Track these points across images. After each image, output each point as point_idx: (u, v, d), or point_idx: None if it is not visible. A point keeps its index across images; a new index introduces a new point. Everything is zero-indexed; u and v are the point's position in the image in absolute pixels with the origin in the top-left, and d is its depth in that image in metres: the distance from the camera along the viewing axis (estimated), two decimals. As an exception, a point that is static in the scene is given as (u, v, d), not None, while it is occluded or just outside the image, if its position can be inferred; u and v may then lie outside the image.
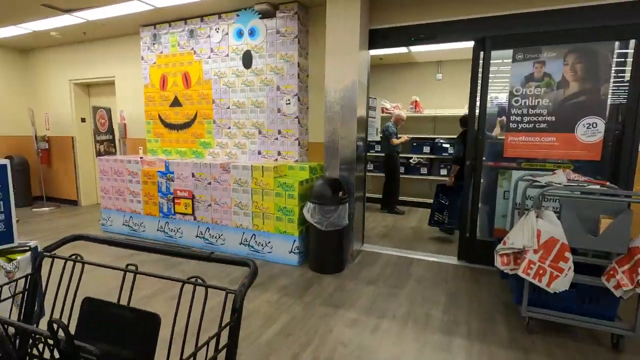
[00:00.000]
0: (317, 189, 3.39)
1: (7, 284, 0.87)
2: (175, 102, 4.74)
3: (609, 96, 3.11)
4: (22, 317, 0.90)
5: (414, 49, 5.85)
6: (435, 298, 2.92)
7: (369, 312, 2.68)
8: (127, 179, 4.49)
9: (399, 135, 5.76)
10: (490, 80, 3.47)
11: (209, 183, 3.96)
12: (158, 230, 4.35)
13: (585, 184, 2.42)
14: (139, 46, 5.02)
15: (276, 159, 4.22)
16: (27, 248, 1.28)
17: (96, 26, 4.86)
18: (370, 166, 6.55)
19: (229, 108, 4.41)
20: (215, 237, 4.00)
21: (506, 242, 2.39)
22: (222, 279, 3.23)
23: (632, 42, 3.00)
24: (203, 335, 0.70)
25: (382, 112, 6.41)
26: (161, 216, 4.31)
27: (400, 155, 6.03)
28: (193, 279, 0.82)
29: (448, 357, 2.14)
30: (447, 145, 6.20)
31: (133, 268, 0.86)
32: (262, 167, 3.65)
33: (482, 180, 3.62)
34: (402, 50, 5.90)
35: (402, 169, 6.50)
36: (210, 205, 3.99)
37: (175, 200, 4.17)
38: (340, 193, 3.44)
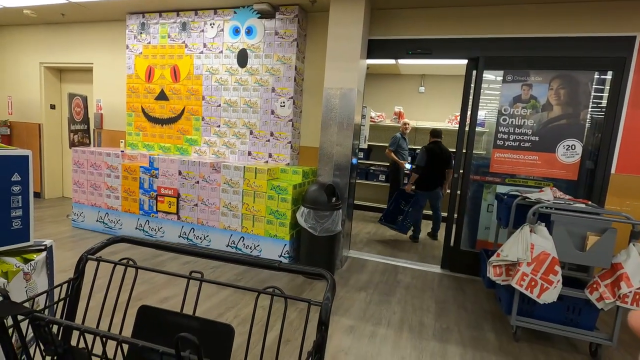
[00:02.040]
0: (312, 193, 3.38)
1: (45, 291, 0.79)
2: (162, 96, 4.55)
3: (587, 121, 3.37)
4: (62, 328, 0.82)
5: (401, 61, 6.03)
6: (425, 306, 3.00)
7: (364, 319, 2.70)
8: (104, 173, 4.23)
9: (402, 160, 5.69)
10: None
11: (197, 182, 3.83)
12: (137, 228, 4.14)
13: (571, 202, 2.60)
14: (123, 34, 4.77)
15: (267, 161, 4.16)
16: (43, 247, 1.18)
17: (78, 8, 4.57)
18: (381, 177, 6.61)
19: (219, 106, 4.29)
20: (200, 238, 3.87)
21: (500, 254, 2.51)
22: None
23: (610, 73, 3.27)
24: (283, 347, 0.68)
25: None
26: (141, 214, 4.10)
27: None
28: (270, 289, 0.79)
29: (445, 364, 2.21)
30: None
31: (198, 275, 0.81)
32: (255, 168, 3.59)
33: (467, 194, 3.78)
34: (390, 61, 6.05)
35: (382, 177, 6.65)
36: (196, 205, 3.85)
37: (159, 198, 3.99)
38: (334, 199, 3.46)
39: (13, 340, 0.69)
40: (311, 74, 4.12)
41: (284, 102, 4.01)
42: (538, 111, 3.47)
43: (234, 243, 3.73)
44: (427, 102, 6.87)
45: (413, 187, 4.83)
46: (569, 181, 3.43)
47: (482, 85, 3.60)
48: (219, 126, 4.33)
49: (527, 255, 2.32)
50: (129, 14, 4.60)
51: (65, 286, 0.83)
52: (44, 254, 1.16)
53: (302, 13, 3.96)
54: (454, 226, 3.86)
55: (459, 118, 6.02)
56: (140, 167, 4.05)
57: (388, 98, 7.03)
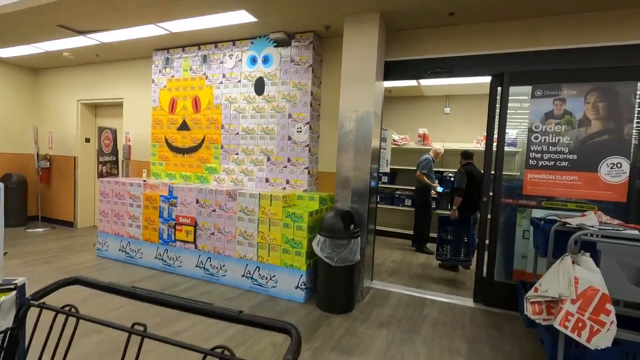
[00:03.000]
0: (328, 220, 3.21)
1: None
2: (184, 126, 4.66)
3: (634, 136, 3.02)
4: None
5: (424, 82, 5.89)
6: (455, 346, 2.68)
7: (385, 360, 2.43)
8: (127, 202, 4.32)
9: (433, 179, 5.43)
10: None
11: (214, 210, 3.79)
12: (156, 257, 4.13)
13: (621, 228, 2.26)
14: (150, 69, 5.01)
15: (284, 187, 4.07)
16: (13, 286, 1.10)
17: (109, 48, 4.87)
18: (407, 202, 6.37)
19: (237, 134, 4.31)
20: (217, 268, 3.78)
21: (538, 288, 2.19)
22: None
23: (656, 83, 2.95)
24: None
25: (391, 143, 6.34)
26: (160, 243, 4.10)
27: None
28: (219, 350, 0.64)
29: (478, 420, 1.89)
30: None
31: (141, 329, 0.68)
32: (271, 195, 3.50)
33: (499, 218, 3.46)
34: (412, 83, 5.93)
35: (408, 202, 6.37)
36: (213, 233, 3.80)
37: (177, 227, 3.98)
38: (352, 226, 3.27)
39: None
40: (328, 98, 4.07)
41: (300, 128, 3.96)
42: (574, 127, 3.16)
43: (249, 273, 3.60)
44: (453, 123, 6.61)
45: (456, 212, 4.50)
46: (617, 203, 3.05)
47: (510, 102, 3.36)
48: (237, 154, 4.33)
49: (570, 291, 2.00)
50: (155, 50, 4.84)
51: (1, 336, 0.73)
52: (12, 294, 1.08)
53: (317, 39, 3.96)
54: (486, 254, 3.52)
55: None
56: (160, 196, 4.09)
57: (412, 120, 6.85)
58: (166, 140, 4.80)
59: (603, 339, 1.94)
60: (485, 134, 3.56)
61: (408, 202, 6.40)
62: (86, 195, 6.18)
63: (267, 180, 4.17)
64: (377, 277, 4.15)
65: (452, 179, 5.70)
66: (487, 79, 3.54)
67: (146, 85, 5.18)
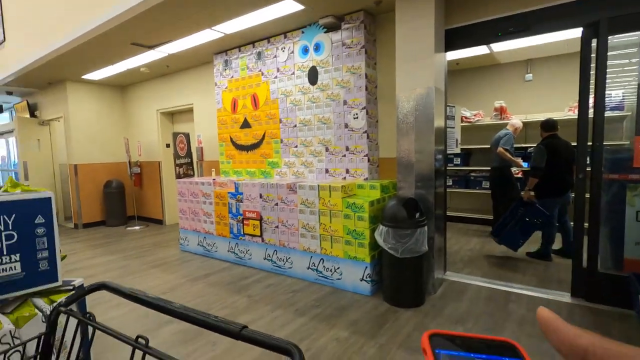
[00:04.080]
0: (390, 210, 3.01)
1: (15, 348, 0.71)
2: (245, 124, 4.82)
3: None
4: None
5: (497, 47, 5.21)
6: (547, 349, 2.30)
7: (460, 362, 2.18)
8: (201, 200, 4.63)
9: (514, 154, 4.76)
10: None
11: (276, 204, 3.85)
12: (229, 251, 4.36)
13: None
14: (212, 73, 5.26)
15: (344, 177, 3.95)
16: (71, 287, 1.18)
17: (176, 58, 5.24)
18: (485, 184, 5.78)
19: (295, 126, 4.30)
20: (283, 260, 3.84)
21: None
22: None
23: None
24: None
25: (462, 121, 5.78)
26: (231, 237, 4.32)
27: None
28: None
29: None
30: (544, 155, 5.29)
31: (142, 342, 0.63)
32: (330, 186, 3.41)
33: (601, 198, 2.88)
34: (483, 50, 5.28)
35: (486, 184, 5.76)
36: (277, 226, 3.86)
37: (245, 222, 4.14)
38: (418, 214, 3.02)
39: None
40: (384, 80, 3.81)
41: (356, 114, 3.78)
42: None
43: (314, 265, 3.59)
44: (537, 91, 5.76)
45: (532, 194, 3.96)
46: None
47: (610, 57, 2.74)
48: (296, 146, 4.32)
49: None
50: (214, 54, 5.07)
51: (37, 342, 0.75)
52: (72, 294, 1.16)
53: (368, 18, 3.72)
54: (586, 240, 2.97)
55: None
56: (228, 192, 4.29)
57: (486, 93, 6.15)
58: (231, 139, 5.02)
59: None
60: (579, 97, 2.97)
61: (485, 184, 5.79)
62: (170, 196, 6.84)
63: (326, 170, 4.10)
64: (451, 268, 3.81)
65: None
66: (578, 32, 2.94)
67: (211, 88, 5.47)
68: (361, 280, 3.27)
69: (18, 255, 1.08)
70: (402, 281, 3.00)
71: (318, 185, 3.49)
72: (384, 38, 3.78)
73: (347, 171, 3.93)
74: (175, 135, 5.48)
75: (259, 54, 4.55)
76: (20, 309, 1.08)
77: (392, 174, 3.82)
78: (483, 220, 5.71)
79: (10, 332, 0.99)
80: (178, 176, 5.44)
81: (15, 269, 1.08)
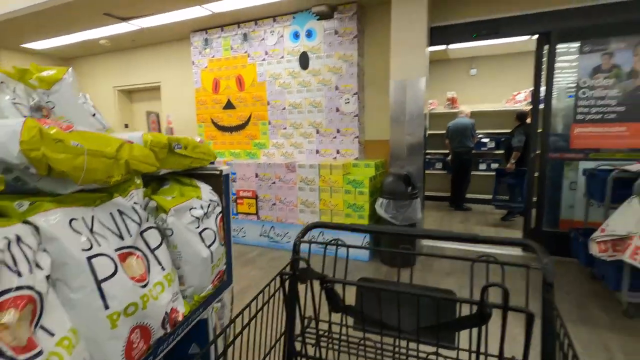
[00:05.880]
0: (389, 184, 3.45)
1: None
2: (229, 105, 4.83)
3: (682, 85, 3.15)
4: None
5: (451, 45, 5.91)
6: (523, 289, 2.97)
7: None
8: (186, 182, 4.57)
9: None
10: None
11: (274, 182, 4.04)
12: (219, 230, 4.43)
13: (680, 171, 2.46)
14: (188, 51, 5.11)
15: (335, 157, 4.29)
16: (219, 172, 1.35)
17: (147, 32, 4.96)
18: (438, 165, 6.60)
19: (284, 109, 4.48)
20: (281, 235, 4.08)
21: (605, 229, 2.44)
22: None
23: None
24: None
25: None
26: (222, 217, 4.39)
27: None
28: (484, 257, 0.89)
29: (560, 342, 2.20)
30: (487, 140, 6.23)
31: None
32: (331, 165, 3.72)
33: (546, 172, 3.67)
34: (439, 47, 5.95)
35: (439, 165, 6.58)
36: (274, 204, 4.07)
37: (238, 201, 4.25)
38: (410, 188, 3.51)
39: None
40: (371, 67, 4.19)
41: (348, 99, 4.11)
42: (622, 80, 3.29)
43: (314, 237, 3.89)
44: (479, 85, 6.68)
45: (513, 165, 4.93)
46: (664, 150, 3.23)
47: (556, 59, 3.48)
48: (285, 128, 4.52)
49: (638, 227, 2.24)
50: (192, 32, 4.92)
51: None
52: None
53: (360, 9, 4.03)
54: (535, 207, 3.76)
55: (517, 97, 5.87)
56: (219, 173, 4.33)
57: (438, 84, 6.91)
58: (212, 120, 4.99)
59: (670, 268, 2.20)
60: (532, 93, 3.70)
61: (439, 165, 6.61)
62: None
63: (317, 151, 4.38)
64: (426, 236, 4.43)
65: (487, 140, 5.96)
66: (517, 39, 3.64)
67: (184, 67, 5.29)
68: (360, 248, 3.67)
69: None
70: (398, 245, 3.47)
71: (319, 164, 3.78)
72: (372, 29, 4.13)
73: (338, 152, 4.27)
74: (148, 114, 5.23)
75: (245, 36, 4.58)
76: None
77: (377, 154, 4.26)
78: (439, 197, 6.53)
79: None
80: (152, 157, 5.22)
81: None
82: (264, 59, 4.51)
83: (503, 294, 0.70)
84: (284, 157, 4.58)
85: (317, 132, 4.34)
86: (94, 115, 1.12)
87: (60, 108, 1.00)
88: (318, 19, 4.13)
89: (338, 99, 4.17)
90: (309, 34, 4.21)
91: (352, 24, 3.99)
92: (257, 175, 4.12)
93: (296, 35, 4.28)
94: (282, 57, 4.40)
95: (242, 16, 4.40)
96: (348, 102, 4.12)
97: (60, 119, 0.99)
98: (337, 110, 4.19)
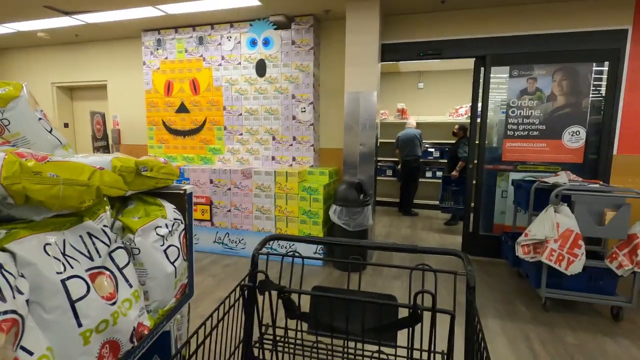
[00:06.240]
0: (342, 192, 3.62)
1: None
2: (182, 109, 4.72)
3: (589, 108, 3.69)
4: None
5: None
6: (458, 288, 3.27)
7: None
8: (135, 187, 4.38)
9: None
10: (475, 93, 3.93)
11: (229, 189, 4.03)
12: (171, 237, 4.31)
13: (586, 183, 2.90)
14: (139, 50, 4.91)
15: (291, 165, 4.38)
16: (182, 192, 1.38)
17: (93, 28, 4.69)
18: (388, 172, 6.93)
19: (240, 115, 4.49)
20: (236, 242, 4.07)
21: (528, 234, 2.79)
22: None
23: (607, 64, 3.59)
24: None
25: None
26: (174, 223, 4.27)
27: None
28: (420, 266, 1.03)
29: (489, 334, 2.48)
30: (432, 150, 6.70)
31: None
32: (287, 172, 3.81)
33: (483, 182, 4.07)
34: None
35: (389, 172, 6.94)
36: (229, 210, 4.05)
37: (192, 207, 4.16)
38: (362, 196, 3.70)
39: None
40: (327, 79, 4.35)
41: (304, 108, 4.23)
42: (543, 102, 3.77)
43: (269, 244, 3.95)
44: (426, 98, 7.16)
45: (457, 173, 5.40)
46: (575, 164, 3.74)
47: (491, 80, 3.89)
48: (242, 134, 4.52)
49: (554, 233, 2.61)
50: (143, 31, 4.75)
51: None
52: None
53: (316, 22, 4.18)
54: (472, 213, 4.15)
55: (459, 111, 6.39)
56: (171, 178, 4.21)
57: (390, 95, 7.30)
58: (164, 123, 4.83)
59: (576, 267, 2.59)
60: (470, 109, 4.09)
61: (389, 172, 6.97)
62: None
63: (273, 158, 4.45)
64: (376, 239, 4.67)
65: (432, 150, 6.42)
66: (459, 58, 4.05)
67: (134, 66, 5.07)
68: (314, 253, 3.80)
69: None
70: (350, 251, 3.65)
71: (275, 171, 3.84)
72: (328, 42, 4.30)
73: (294, 159, 4.37)
74: (92, 114, 4.92)
75: (201, 39, 4.52)
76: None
77: (331, 162, 4.43)
78: (388, 202, 6.88)
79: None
80: (96, 160, 4.92)
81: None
82: (220, 64, 4.48)
83: (432, 299, 0.84)
84: (239, 163, 4.58)
85: (274, 139, 4.40)
86: (50, 131, 1.11)
87: (16, 125, 0.98)
88: (275, 29, 4.21)
89: (294, 108, 4.27)
90: (267, 42, 4.27)
91: (308, 35, 4.12)
92: (211, 182, 4.08)
93: (253, 43, 4.32)
94: (239, 63, 4.41)
95: (198, 19, 4.34)
96: (304, 111, 4.24)
97: (16, 136, 0.98)
98: (294, 118, 4.29)
